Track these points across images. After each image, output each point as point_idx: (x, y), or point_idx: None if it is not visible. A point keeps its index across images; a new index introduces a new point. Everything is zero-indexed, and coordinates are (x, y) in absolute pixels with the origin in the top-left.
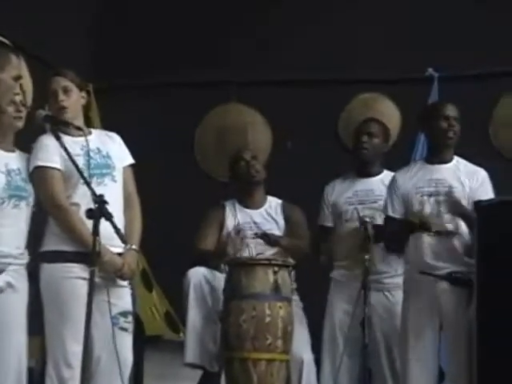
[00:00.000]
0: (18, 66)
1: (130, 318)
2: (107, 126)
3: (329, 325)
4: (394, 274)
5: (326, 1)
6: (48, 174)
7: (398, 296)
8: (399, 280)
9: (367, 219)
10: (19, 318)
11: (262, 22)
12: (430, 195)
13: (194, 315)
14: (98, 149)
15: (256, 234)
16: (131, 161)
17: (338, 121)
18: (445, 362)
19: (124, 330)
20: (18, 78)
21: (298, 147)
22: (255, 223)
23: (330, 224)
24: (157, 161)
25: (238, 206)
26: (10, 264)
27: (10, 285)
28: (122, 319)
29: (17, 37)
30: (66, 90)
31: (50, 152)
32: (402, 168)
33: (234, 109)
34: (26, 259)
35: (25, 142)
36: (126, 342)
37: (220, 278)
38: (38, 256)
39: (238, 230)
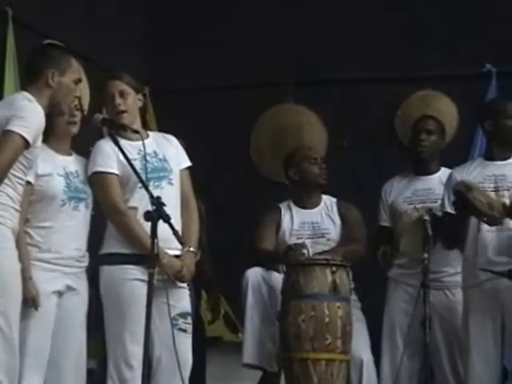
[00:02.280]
0: (78, 69)
1: (189, 319)
2: (162, 129)
3: (388, 325)
4: (453, 273)
5: (381, 1)
6: (106, 180)
7: (458, 294)
8: (459, 278)
9: (426, 218)
10: (79, 320)
11: (316, 21)
12: (491, 191)
13: (252, 316)
14: (155, 152)
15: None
16: (188, 163)
17: (394, 119)
18: (508, 361)
19: (183, 331)
20: (78, 81)
21: (355, 146)
22: (312, 223)
23: (388, 224)
24: (213, 163)
25: (293, 206)
26: (70, 266)
27: (70, 288)
28: (181, 320)
29: (72, 41)
30: (122, 94)
31: (107, 157)
32: (459, 165)
33: (290, 109)
34: (86, 262)
35: (83, 146)
36: (186, 342)
37: (278, 278)
38: (97, 258)
39: (301, 245)
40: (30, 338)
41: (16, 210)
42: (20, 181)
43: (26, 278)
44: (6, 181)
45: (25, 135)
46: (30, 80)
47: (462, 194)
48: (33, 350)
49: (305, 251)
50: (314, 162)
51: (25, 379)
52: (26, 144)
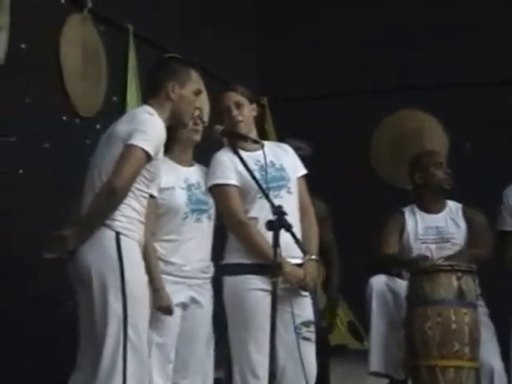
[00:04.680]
0: (198, 80)
1: (312, 328)
2: (281, 138)
3: None
4: None
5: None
6: (226, 191)
7: None
8: None
9: None
10: (205, 332)
11: (432, 24)
12: None
13: (377, 323)
14: (272, 162)
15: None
16: (304, 171)
17: None
18: None
19: (307, 339)
20: (198, 92)
21: (476, 149)
22: (437, 228)
23: (510, 228)
24: (330, 170)
25: (417, 211)
26: (194, 278)
27: (194, 300)
28: (304, 329)
29: (190, 54)
30: (238, 105)
31: (226, 168)
32: None
33: (410, 114)
34: (211, 272)
35: (203, 158)
36: (310, 351)
37: (402, 285)
38: (219, 269)
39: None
40: (155, 351)
41: (141, 222)
42: (143, 193)
43: (157, 289)
44: (130, 194)
45: (147, 149)
46: (151, 93)
47: None
48: (159, 364)
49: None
50: (440, 167)
51: None
52: (148, 157)
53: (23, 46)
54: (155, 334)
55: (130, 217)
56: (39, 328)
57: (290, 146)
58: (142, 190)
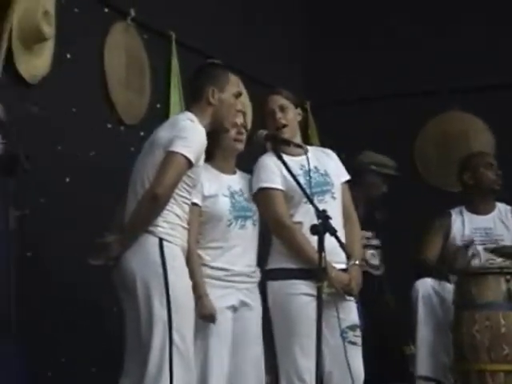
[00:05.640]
0: (237, 83)
1: (358, 332)
2: (324, 142)
3: None
4: None
5: None
6: (271, 195)
7: None
8: None
9: None
10: (255, 334)
11: (476, 25)
12: None
13: (424, 327)
14: (316, 167)
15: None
16: (347, 177)
17: None
18: None
19: (353, 343)
20: (237, 95)
21: None
22: (485, 229)
23: None
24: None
25: (465, 212)
26: (242, 282)
27: (244, 303)
28: (350, 333)
29: (233, 59)
30: (282, 108)
31: (271, 173)
32: None
33: (455, 117)
34: (257, 277)
35: (245, 163)
36: (357, 355)
37: (448, 289)
38: (264, 274)
39: (468, 244)
40: (211, 355)
41: (184, 227)
42: (185, 200)
43: (200, 296)
44: (172, 200)
45: (187, 155)
46: (192, 100)
47: None
48: (215, 367)
49: (473, 253)
50: (490, 167)
51: None
52: (189, 164)
53: (68, 55)
54: (208, 339)
55: (172, 223)
56: (86, 334)
57: None
58: (184, 197)
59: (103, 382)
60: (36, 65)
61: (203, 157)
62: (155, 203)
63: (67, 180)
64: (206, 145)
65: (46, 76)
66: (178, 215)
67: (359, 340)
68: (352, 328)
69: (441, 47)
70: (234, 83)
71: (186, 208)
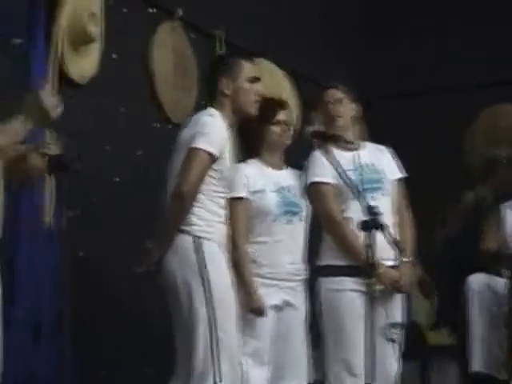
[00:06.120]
0: (251, 69)
1: (399, 330)
2: (376, 137)
3: None
4: None
5: None
6: (323, 190)
7: None
8: None
9: None
10: (299, 333)
11: None
12: None
13: (477, 322)
14: (369, 163)
15: None
16: (401, 174)
17: None
18: None
19: (392, 341)
20: (253, 79)
21: None
22: None
23: None
24: (426, 171)
25: None
26: (286, 280)
27: (287, 303)
28: (392, 330)
29: (281, 57)
30: (338, 101)
31: (323, 167)
32: None
33: (504, 109)
34: (303, 275)
35: (293, 160)
36: (394, 352)
37: (501, 283)
38: (314, 270)
39: None
40: (251, 353)
41: (221, 222)
42: (219, 194)
43: (250, 293)
44: (203, 197)
45: (209, 149)
46: (210, 95)
47: None
48: (255, 365)
49: None
50: None
51: None
52: (212, 158)
53: (115, 56)
54: (250, 338)
55: (207, 219)
56: (139, 334)
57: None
58: (215, 191)
59: (156, 382)
60: (84, 65)
61: (228, 148)
62: (182, 201)
63: (116, 180)
64: (227, 136)
65: (94, 76)
66: (212, 211)
67: (398, 337)
68: (394, 325)
69: (491, 41)
70: (248, 69)
71: (222, 202)
